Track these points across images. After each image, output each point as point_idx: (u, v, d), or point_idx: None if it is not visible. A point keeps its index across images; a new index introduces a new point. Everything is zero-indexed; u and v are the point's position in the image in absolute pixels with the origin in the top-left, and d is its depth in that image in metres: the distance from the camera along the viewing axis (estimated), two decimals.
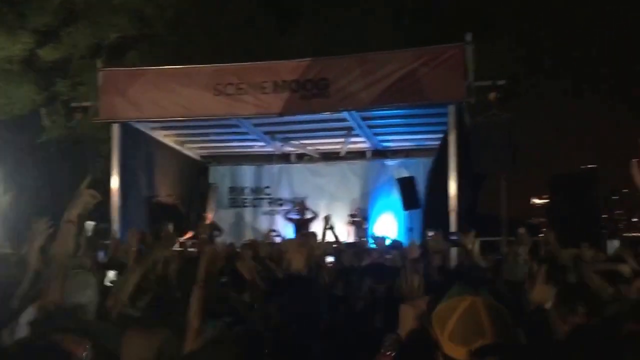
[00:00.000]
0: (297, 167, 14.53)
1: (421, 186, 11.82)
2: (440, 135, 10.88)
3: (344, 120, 11.58)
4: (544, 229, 8.79)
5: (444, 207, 9.59)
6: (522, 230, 6.45)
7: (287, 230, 13.42)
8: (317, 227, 11.06)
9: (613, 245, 9.33)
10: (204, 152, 14.75)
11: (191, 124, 12.26)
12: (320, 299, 3.28)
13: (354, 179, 14.08)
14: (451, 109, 9.89)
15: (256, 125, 12.41)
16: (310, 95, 10.34)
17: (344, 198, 13.92)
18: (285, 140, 13.47)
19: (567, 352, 2.80)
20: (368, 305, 3.76)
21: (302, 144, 13.85)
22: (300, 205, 13.32)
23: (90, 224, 8.78)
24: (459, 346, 1.66)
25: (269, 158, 14.79)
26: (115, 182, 11.01)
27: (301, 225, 12.70)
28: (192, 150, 14.42)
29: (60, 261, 3.02)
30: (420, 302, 2.07)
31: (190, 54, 15.84)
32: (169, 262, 4.20)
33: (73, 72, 16.09)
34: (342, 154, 13.92)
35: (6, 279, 3.03)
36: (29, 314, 2.84)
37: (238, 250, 7.45)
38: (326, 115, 11.11)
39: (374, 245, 9.89)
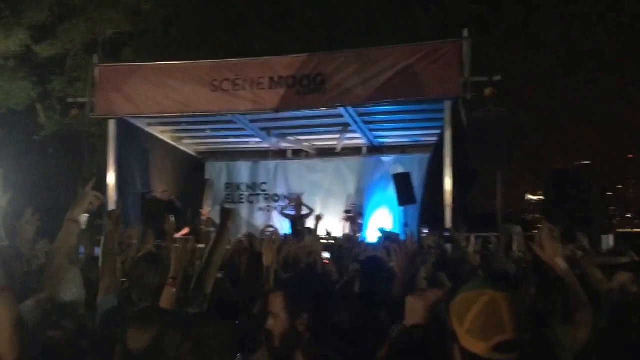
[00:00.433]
0: (293, 163, 14.54)
1: (417, 182, 11.85)
2: (436, 132, 10.89)
3: (340, 116, 11.60)
4: (539, 225, 8.80)
5: (439, 203, 9.62)
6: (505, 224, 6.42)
7: (283, 226, 13.43)
8: (312, 223, 11.07)
9: (608, 240, 9.35)
10: (200, 148, 14.75)
11: (187, 119, 12.26)
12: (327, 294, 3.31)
13: (349, 175, 14.09)
14: (447, 105, 9.91)
15: (252, 121, 12.41)
16: (306, 91, 10.34)
17: (339, 194, 13.95)
18: (282, 136, 13.48)
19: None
20: (367, 298, 3.78)
21: (298, 139, 13.86)
22: (296, 201, 13.32)
23: (84, 217, 8.73)
24: (478, 341, 1.66)
25: (265, 154, 14.79)
26: (111, 178, 11.01)
27: (297, 221, 12.69)
28: (188, 146, 14.42)
29: (60, 259, 3.04)
30: (429, 295, 2.08)
31: (186, 49, 15.84)
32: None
33: (69, 68, 16.08)
34: (338, 149, 13.93)
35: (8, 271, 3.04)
36: (27, 307, 2.85)
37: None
38: (322, 111, 11.13)
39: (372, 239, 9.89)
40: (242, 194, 14.73)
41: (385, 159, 13.92)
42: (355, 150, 14.26)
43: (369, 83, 10.05)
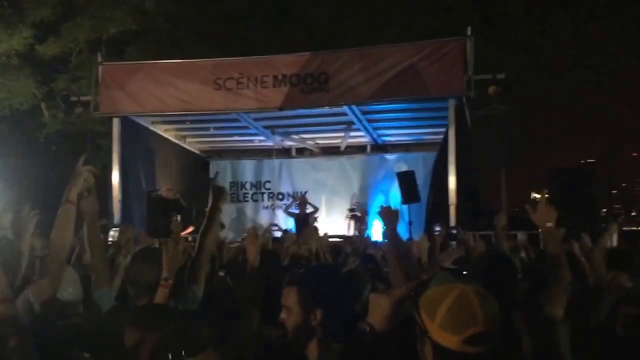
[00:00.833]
0: (298, 162, 14.55)
1: (421, 180, 11.83)
2: (440, 130, 10.88)
3: (344, 114, 11.59)
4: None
5: (444, 201, 9.60)
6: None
7: (287, 225, 13.44)
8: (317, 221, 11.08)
9: (611, 238, 9.31)
10: (204, 146, 14.76)
11: (191, 118, 12.27)
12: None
13: (353, 173, 14.10)
14: (451, 103, 9.89)
15: (256, 119, 12.42)
16: (310, 90, 10.34)
17: (343, 192, 13.96)
18: (286, 134, 13.48)
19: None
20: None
21: (302, 138, 13.86)
22: (300, 200, 13.32)
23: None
24: (450, 334, 1.66)
25: (269, 152, 14.81)
26: (115, 177, 11.02)
27: (302, 220, 12.69)
28: (192, 145, 14.43)
29: (56, 255, 3.00)
30: (395, 292, 2.07)
31: (190, 48, 15.85)
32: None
33: (73, 67, 16.11)
34: (342, 148, 13.93)
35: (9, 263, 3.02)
36: (23, 297, 2.84)
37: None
38: (326, 109, 11.11)
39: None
40: (246, 193, 14.74)
41: (389, 157, 13.93)
42: (359, 149, 14.27)
43: (372, 81, 10.04)
